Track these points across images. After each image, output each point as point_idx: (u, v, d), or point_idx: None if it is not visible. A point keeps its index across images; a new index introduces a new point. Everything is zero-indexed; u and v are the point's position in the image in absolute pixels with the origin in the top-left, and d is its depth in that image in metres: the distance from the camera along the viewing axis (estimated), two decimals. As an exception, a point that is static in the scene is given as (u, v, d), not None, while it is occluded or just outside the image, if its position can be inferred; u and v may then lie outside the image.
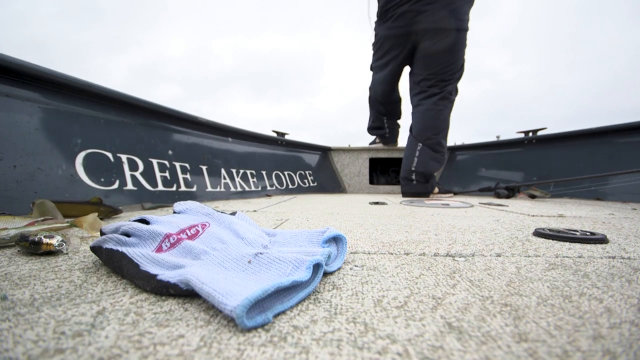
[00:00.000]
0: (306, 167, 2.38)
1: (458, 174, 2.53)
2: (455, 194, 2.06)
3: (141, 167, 1.07)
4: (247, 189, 1.62)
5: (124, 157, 1.03)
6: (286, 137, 2.26)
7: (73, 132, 0.93)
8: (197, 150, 1.42)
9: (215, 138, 1.58)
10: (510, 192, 1.73)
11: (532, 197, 1.67)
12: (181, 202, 0.45)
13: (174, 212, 0.44)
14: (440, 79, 1.83)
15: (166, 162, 1.18)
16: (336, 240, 0.36)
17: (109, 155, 1.00)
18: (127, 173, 0.99)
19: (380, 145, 2.71)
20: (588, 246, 0.47)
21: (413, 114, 1.94)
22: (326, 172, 2.56)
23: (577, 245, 0.47)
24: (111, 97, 1.06)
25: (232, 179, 1.54)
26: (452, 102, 1.88)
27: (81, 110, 0.98)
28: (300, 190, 2.14)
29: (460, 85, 1.93)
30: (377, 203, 1.32)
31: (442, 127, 1.86)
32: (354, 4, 2.05)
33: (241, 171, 1.66)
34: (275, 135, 2.19)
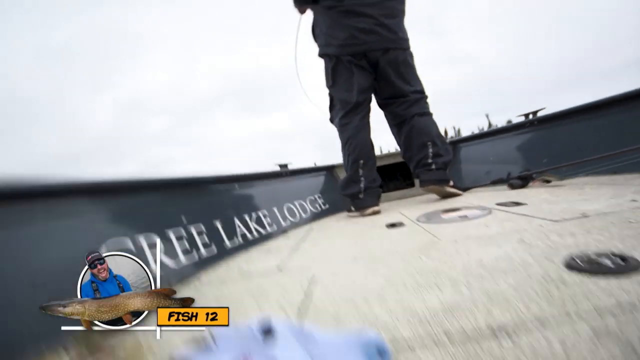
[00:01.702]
0: (314, 191, 2.39)
1: (465, 167, 2.51)
2: (465, 189, 2.04)
3: (160, 244, 1.07)
4: (263, 232, 1.63)
5: (141, 238, 1.05)
6: (289, 166, 2.28)
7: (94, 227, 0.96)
8: (207, 207, 1.44)
9: (222, 189, 1.59)
10: (524, 181, 1.71)
11: (547, 181, 1.65)
12: (217, 332, 0.45)
13: (212, 340, 0.44)
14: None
15: (182, 229, 1.20)
16: (379, 350, 0.36)
17: (129, 241, 1.02)
18: (149, 256, 1.01)
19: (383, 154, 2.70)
20: (625, 283, 0.46)
21: (412, 124, 1.94)
22: (335, 191, 2.56)
23: (614, 283, 0.47)
24: (121, 186, 1.09)
25: (247, 226, 1.56)
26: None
27: (89, 208, 1.00)
28: (313, 216, 2.14)
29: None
30: (394, 225, 1.32)
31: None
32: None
33: (254, 215, 1.68)
34: (278, 168, 2.21)
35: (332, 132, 2.14)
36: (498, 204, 1.31)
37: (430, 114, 1.99)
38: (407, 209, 1.81)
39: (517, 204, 1.25)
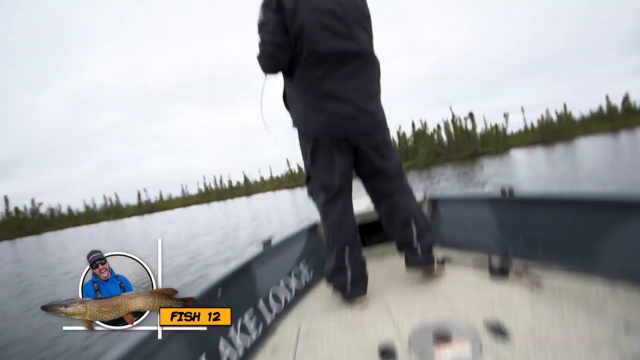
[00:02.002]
0: (297, 261, 2.34)
1: (444, 225, 2.57)
2: (445, 261, 2.08)
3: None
4: (248, 345, 1.56)
5: None
6: (272, 241, 2.19)
7: None
8: (193, 339, 1.35)
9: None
10: (504, 272, 1.78)
11: (520, 274, 1.72)
12: None
13: None
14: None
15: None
16: None
17: None
18: None
19: (367, 209, 2.68)
20: None
21: (394, 201, 1.94)
22: (319, 253, 2.52)
23: None
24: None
25: (232, 345, 1.48)
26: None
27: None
28: (298, 296, 2.10)
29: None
30: (384, 355, 1.32)
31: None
32: None
33: (239, 323, 1.60)
34: (262, 246, 2.12)
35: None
36: (485, 325, 1.35)
37: (410, 189, 2.00)
38: (394, 300, 1.82)
39: (503, 333, 1.29)
